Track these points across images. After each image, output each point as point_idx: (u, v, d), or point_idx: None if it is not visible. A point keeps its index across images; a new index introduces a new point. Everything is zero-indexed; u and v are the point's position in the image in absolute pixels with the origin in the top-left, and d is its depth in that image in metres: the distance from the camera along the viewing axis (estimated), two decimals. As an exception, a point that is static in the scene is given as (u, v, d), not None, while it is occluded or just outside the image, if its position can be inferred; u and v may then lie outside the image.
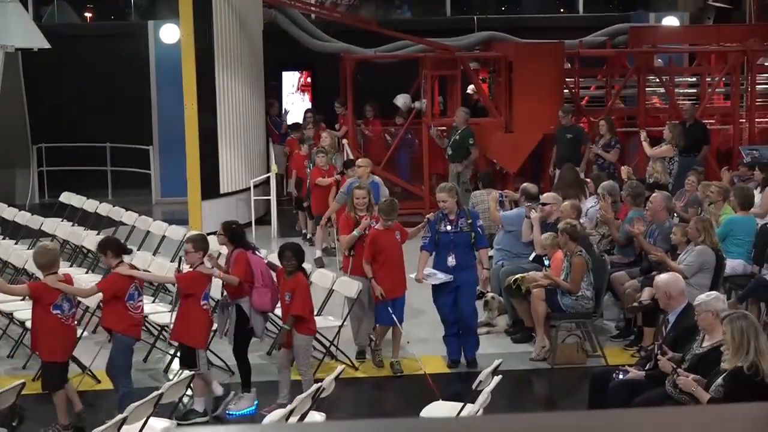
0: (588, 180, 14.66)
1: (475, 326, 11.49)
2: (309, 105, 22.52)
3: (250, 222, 17.58)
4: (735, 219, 12.56)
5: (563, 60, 18.97)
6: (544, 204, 12.49)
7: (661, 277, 9.70)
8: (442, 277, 11.06)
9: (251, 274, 10.04)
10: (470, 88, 19.99)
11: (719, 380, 8.12)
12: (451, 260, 11.07)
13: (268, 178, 17.95)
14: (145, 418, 8.02)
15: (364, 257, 11.07)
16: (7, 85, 19.10)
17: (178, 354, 10.35)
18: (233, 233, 10.38)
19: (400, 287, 11.09)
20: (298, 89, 23.08)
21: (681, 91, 20.15)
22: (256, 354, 11.62)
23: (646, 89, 19.15)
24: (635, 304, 11.39)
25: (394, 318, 10.92)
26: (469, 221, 11.09)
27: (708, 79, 19.83)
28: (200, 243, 10.15)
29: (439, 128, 18.61)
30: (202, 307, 10.04)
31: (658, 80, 19.44)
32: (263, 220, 18.12)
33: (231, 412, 10.07)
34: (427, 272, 11.09)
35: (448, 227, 11.09)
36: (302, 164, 17.19)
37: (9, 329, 12.18)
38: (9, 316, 12.09)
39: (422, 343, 11.79)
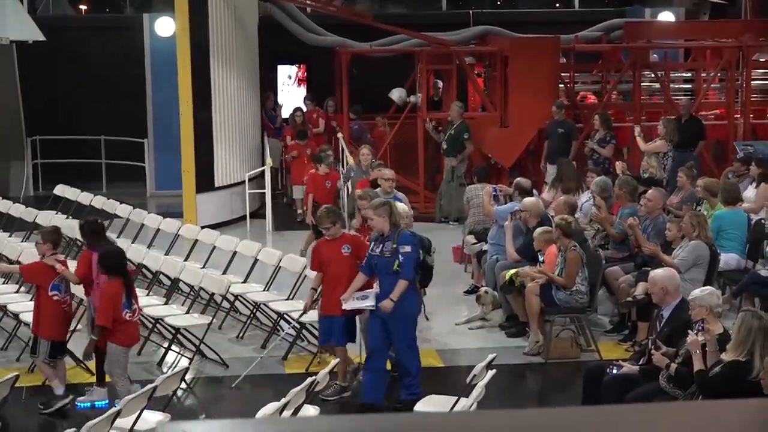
0: (588, 176, 14.62)
1: (410, 369, 9.93)
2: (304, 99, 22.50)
3: (245, 215, 17.58)
4: (723, 214, 12.61)
5: (558, 55, 18.98)
6: (521, 210, 12.44)
7: (657, 272, 9.71)
8: (358, 303, 9.90)
9: (91, 273, 10.04)
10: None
11: (717, 369, 8.16)
12: (376, 286, 9.99)
13: (263, 171, 17.95)
14: (138, 411, 8.02)
15: (311, 266, 10.54)
16: (1, 77, 19.10)
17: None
18: (87, 230, 10.46)
19: (335, 306, 9.97)
20: (296, 82, 23.07)
21: (676, 86, 20.17)
22: (250, 347, 11.64)
23: (642, 84, 19.16)
24: (629, 298, 11.40)
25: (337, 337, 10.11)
26: (394, 246, 9.68)
27: (703, 75, 19.84)
28: (49, 235, 10.32)
29: (433, 122, 18.62)
30: (51, 298, 10.04)
31: (653, 75, 19.45)
32: (258, 213, 18.12)
33: (79, 403, 10.04)
34: (357, 295, 9.91)
35: (377, 249, 9.86)
36: (323, 185, 15.10)
37: (2, 322, 12.17)
38: (3, 308, 12.09)
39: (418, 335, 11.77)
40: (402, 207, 11.10)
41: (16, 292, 12.44)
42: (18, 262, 13.05)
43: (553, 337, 11.30)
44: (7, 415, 9.74)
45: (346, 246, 10.08)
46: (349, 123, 19.55)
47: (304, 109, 20.18)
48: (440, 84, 20.30)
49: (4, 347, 11.74)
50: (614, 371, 9.11)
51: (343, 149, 18.42)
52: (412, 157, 18.83)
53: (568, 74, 19.25)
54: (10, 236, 15.32)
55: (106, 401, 9.93)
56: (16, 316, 11.58)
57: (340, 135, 19.06)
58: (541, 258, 11.70)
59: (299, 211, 17.65)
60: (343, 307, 9.90)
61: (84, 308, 10.91)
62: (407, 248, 9.66)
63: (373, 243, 9.89)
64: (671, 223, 11.71)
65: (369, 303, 9.84)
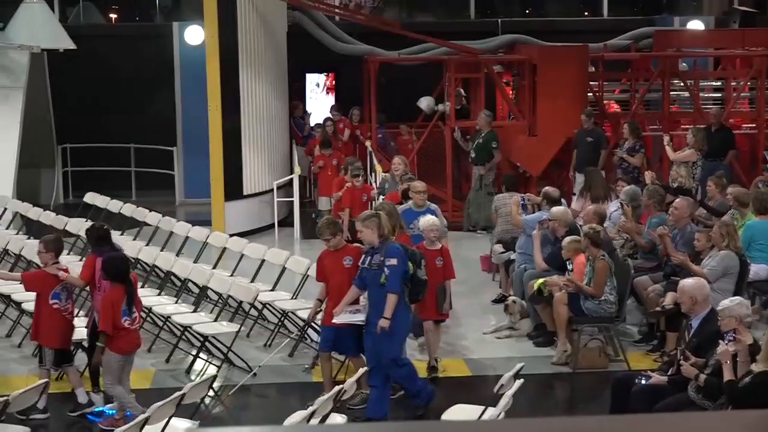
0: (618, 184, 14.55)
1: (402, 383, 10.00)
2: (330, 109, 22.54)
3: (273, 224, 17.61)
4: (754, 224, 12.51)
5: (587, 63, 18.94)
6: (550, 219, 12.41)
7: (687, 282, 9.67)
8: (349, 317, 9.85)
9: (95, 277, 10.09)
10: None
11: (748, 379, 8.12)
12: (362, 299, 9.96)
13: (292, 179, 17.98)
14: (167, 419, 8.05)
15: (316, 277, 10.51)
16: (32, 85, 19.21)
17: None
18: (90, 235, 10.55)
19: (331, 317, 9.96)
20: (324, 91, 23.10)
21: (706, 95, 20.08)
22: (278, 356, 11.66)
23: (671, 93, 19.09)
24: (658, 308, 11.35)
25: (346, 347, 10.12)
26: (382, 258, 9.62)
27: (733, 84, 19.74)
28: (51, 244, 10.38)
29: (462, 130, 18.62)
30: (51, 306, 10.08)
31: (682, 84, 19.38)
32: (286, 221, 18.15)
33: (89, 416, 10.08)
34: (350, 309, 9.86)
35: (366, 262, 9.82)
36: (359, 199, 14.95)
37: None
38: (32, 315, 12.15)
39: (446, 345, 11.77)
40: (431, 220, 11.10)
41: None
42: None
43: (581, 347, 11.26)
44: (36, 421, 9.81)
45: (348, 258, 10.04)
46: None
47: (335, 118, 20.06)
48: (463, 93, 20.26)
49: (34, 354, 11.80)
50: (643, 381, 9.07)
51: (371, 157, 18.44)
52: (440, 166, 18.82)
53: (596, 83, 19.21)
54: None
55: (104, 407, 10.01)
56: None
57: (368, 143, 19.07)
58: (569, 267, 11.66)
59: None
60: (333, 320, 9.91)
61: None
62: (393, 261, 9.56)
63: (364, 255, 9.86)
64: (700, 233, 11.64)
65: (359, 318, 9.80)
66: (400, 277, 9.62)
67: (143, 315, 12.42)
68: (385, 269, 9.56)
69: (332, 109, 20.72)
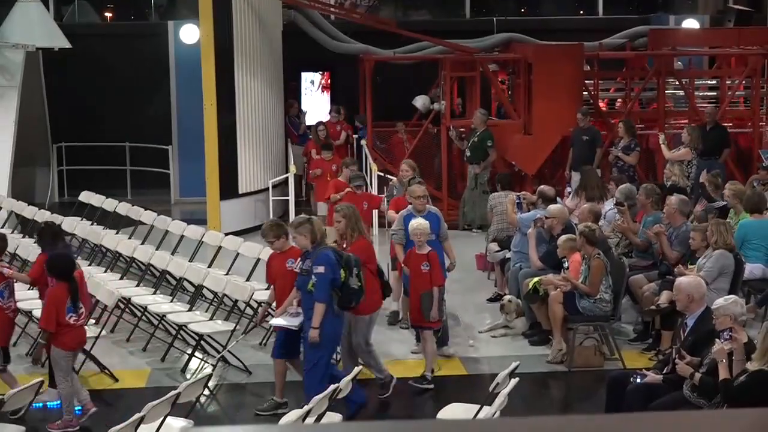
0: (610, 184, 14.58)
1: (307, 391, 9.51)
2: (328, 106, 22.52)
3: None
4: (748, 223, 12.52)
5: (582, 62, 18.95)
6: (546, 217, 12.41)
7: (683, 280, 9.67)
8: (283, 321, 9.85)
9: (45, 276, 10.10)
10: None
11: (743, 378, 8.12)
12: (295, 303, 9.92)
13: (287, 178, 17.98)
14: (162, 417, 8.05)
15: (266, 279, 10.49)
16: (28, 84, 19.20)
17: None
18: (48, 233, 10.59)
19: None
20: (319, 89, 23.08)
21: (701, 93, 20.10)
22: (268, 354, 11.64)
23: (666, 92, 19.11)
24: (653, 307, 11.36)
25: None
26: (311, 265, 9.52)
27: (728, 82, 19.77)
28: None
29: (458, 129, 18.62)
30: None
31: (677, 83, 19.40)
32: (282, 220, 18.14)
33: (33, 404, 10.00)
34: (292, 311, 9.83)
35: (298, 266, 9.77)
36: (358, 205, 13.79)
37: (28, 327, 12.24)
38: (28, 314, 12.15)
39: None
40: (417, 223, 10.90)
41: (41, 297, 12.50)
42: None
43: (576, 346, 11.27)
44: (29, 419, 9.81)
45: (291, 260, 9.97)
46: (358, 131, 19.56)
47: (332, 120, 19.77)
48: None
49: (29, 353, 11.80)
50: (638, 380, 9.07)
51: (366, 157, 18.44)
52: (434, 165, 18.83)
53: (592, 82, 19.22)
54: (35, 242, 15.37)
55: (58, 402, 9.96)
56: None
57: (363, 142, 19.06)
58: (565, 265, 11.67)
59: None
60: (270, 323, 9.91)
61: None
62: (320, 269, 9.42)
63: (299, 259, 9.80)
64: (695, 231, 11.65)
65: (292, 322, 9.74)
66: (328, 285, 9.44)
67: (143, 314, 12.45)
68: (313, 276, 9.45)
69: (331, 111, 20.49)
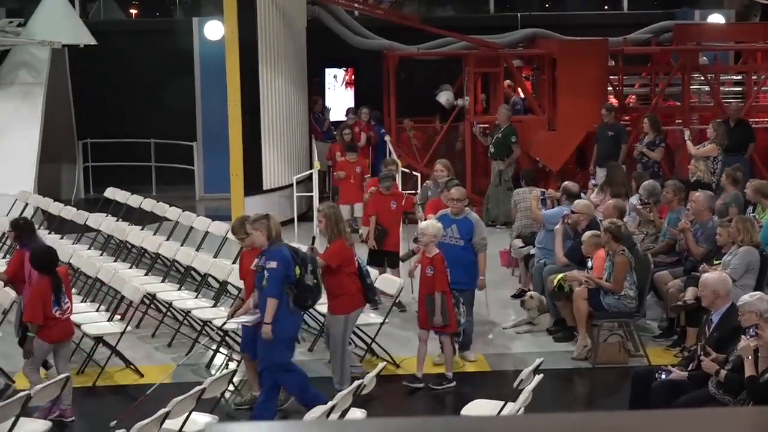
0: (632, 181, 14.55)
1: (286, 386, 9.81)
2: (352, 102, 22.51)
3: (293, 218, 17.64)
4: (773, 220, 12.43)
5: (607, 57, 18.89)
6: (572, 212, 12.37)
7: (709, 276, 9.64)
8: (239, 318, 9.95)
9: (23, 272, 10.12)
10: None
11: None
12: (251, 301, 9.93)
13: (311, 174, 18.00)
14: (187, 413, 8.08)
15: (239, 275, 10.47)
16: (53, 81, 19.30)
17: None
18: (24, 228, 10.62)
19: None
20: (344, 85, 23.07)
21: (726, 89, 19.99)
22: (297, 350, 11.67)
23: (691, 87, 19.02)
24: (679, 303, 11.32)
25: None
26: (265, 260, 9.47)
27: (754, 77, 19.65)
28: None
29: (481, 125, 18.59)
30: None
31: (703, 78, 19.30)
32: (306, 216, 18.16)
33: None
34: (250, 312, 9.82)
35: (254, 264, 9.72)
36: (386, 206, 13.46)
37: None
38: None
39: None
40: (426, 224, 10.69)
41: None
42: (69, 264, 13.23)
43: (601, 342, 11.24)
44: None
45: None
46: (374, 129, 19.49)
47: (350, 122, 19.17)
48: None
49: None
50: (663, 377, 9.04)
51: (390, 153, 18.43)
52: (460, 161, 18.81)
53: (616, 77, 19.15)
54: (61, 238, 15.49)
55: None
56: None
57: (387, 138, 19.06)
58: (589, 264, 11.63)
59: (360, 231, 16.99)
60: (228, 321, 10.02)
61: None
62: (272, 264, 9.36)
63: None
64: (721, 227, 11.59)
65: (247, 319, 9.74)
66: (279, 281, 9.36)
67: (164, 311, 12.50)
68: (265, 272, 9.41)
69: (348, 112, 20.09)
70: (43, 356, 9.82)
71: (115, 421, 9.40)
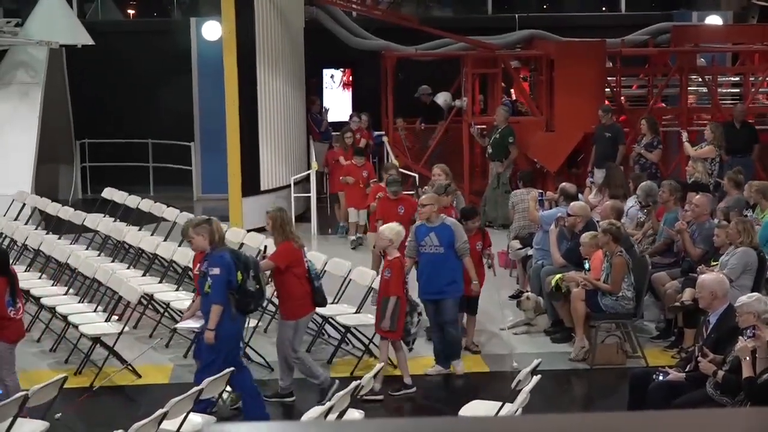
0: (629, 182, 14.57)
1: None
2: (350, 102, 22.51)
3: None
4: (772, 221, 12.44)
5: (605, 59, 18.90)
6: (569, 214, 12.37)
7: (706, 277, 9.65)
8: (189, 324, 10.04)
9: None
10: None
11: (766, 376, 8.10)
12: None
13: (309, 175, 18.00)
14: (185, 413, 8.08)
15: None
16: (51, 81, 19.29)
17: None
18: None
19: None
20: (341, 86, 23.08)
21: (724, 90, 20.00)
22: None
23: (689, 89, 19.04)
24: (676, 304, 11.33)
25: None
26: (207, 266, 9.49)
27: (751, 79, 19.66)
28: None
29: (479, 126, 18.60)
30: None
31: (700, 80, 19.32)
32: (303, 217, 18.18)
33: None
34: (199, 314, 9.82)
35: (197, 268, 9.85)
36: (394, 211, 13.11)
37: (51, 324, 12.31)
38: (52, 310, 12.22)
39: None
40: (384, 228, 10.64)
41: (65, 294, 12.59)
42: (67, 265, 13.23)
43: (598, 343, 11.25)
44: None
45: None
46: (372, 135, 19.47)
47: (353, 127, 18.88)
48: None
49: (53, 349, 11.88)
50: (660, 378, 9.05)
51: (387, 154, 18.43)
52: (458, 162, 18.81)
53: (614, 78, 19.16)
54: (59, 239, 15.48)
55: None
56: (64, 318, 11.71)
57: (385, 138, 19.06)
58: (586, 266, 11.63)
59: (351, 237, 16.74)
60: (175, 326, 10.07)
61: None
62: (215, 270, 9.35)
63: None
64: (719, 228, 11.60)
65: (194, 324, 9.74)
66: (223, 287, 9.35)
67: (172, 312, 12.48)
68: (208, 278, 9.40)
69: (352, 116, 19.86)
70: (12, 356, 9.67)
71: (59, 414, 9.41)
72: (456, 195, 13.32)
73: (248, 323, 11.17)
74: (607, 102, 18.66)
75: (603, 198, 14.07)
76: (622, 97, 19.67)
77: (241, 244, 13.85)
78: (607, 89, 18.85)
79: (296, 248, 10.15)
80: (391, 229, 10.62)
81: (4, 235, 15.47)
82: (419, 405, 10.46)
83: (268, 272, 10.19)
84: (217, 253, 9.48)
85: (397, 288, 10.35)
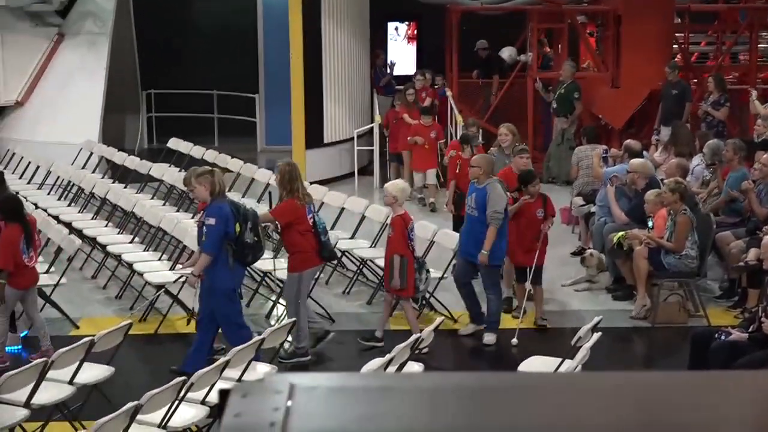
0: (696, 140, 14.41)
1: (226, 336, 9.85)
2: (414, 56, 22.42)
3: (353, 172, 17.68)
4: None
5: (673, 15, 18.62)
6: (627, 171, 12.26)
7: (769, 239, 9.54)
8: (185, 270, 10.20)
9: None
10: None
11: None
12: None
13: (372, 128, 18.00)
14: (247, 362, 8.19)
15: None
16: (118, 31, 19.43)
17: None
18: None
19: None
20: (405, 40, 22.98)
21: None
22: (356, 303, 11.77)
23: (758, 46, 18.72)
24: (740, 264, 11.22)
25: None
26: (205, 216, 9.59)
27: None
28: None
29: (544, 81, 18.47)
30: None
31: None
32: (366, 170, 18.21)
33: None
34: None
35: (197, 218, 10.00)
36: (465, 174, 12.11)
37: (117, 271, 12.51)
38: (118, 258, 12.42)
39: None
40: (389, 184, 10.62)
41: (130, 242, 12.76)
42: (133, 213, 13.40)
43: (660, 302, 11.19)
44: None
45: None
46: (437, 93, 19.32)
47: (418, 86, 18.12)
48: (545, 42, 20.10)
49: (118, 296, 12.07)
50: (722, 338, 8.99)
51: (452, 108, 18.37)
52: (521, 117, 18.71)
53: (682, 35, 18.89)
54: (125, 188, 15.67)
55: (18, 347, 10.23)
56: (130, 265, 11.88)
57: (449, 92, 18.98)
58: (650, 224, 11.55)
59: (429, 200, 16.02)
60: (174, 270, 10.26)
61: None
62: (211, 221, 9.43)
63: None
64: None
65: (189, 270, 9.84)
66: (217, 238, 9.42)
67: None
68: (204, 228, 9.49)
69: (416, 74, 19.22)
70: (14, 303, 9.95)
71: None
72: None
73: (319, 275, 11.22)
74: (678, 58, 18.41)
75: (668, 156, 13.94)
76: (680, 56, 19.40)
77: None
78: (675, 46, 18.60)
79: (299, 205, 10.11)
80: (395, 185, 10.58)
81: (72, 184, 15.68)
82: (479, 360, 10.49)
83: (269, 225, 10.27)
84: (216, 203, 9.52)
85: (400, 246, 10.31)
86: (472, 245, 10.61)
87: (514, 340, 10.61)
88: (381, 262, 11.64)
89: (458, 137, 14.85)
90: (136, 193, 15.44)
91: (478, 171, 10.73)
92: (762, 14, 18.97)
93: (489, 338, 10.71)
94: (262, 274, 11.81)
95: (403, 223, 10.34)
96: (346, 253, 12.56)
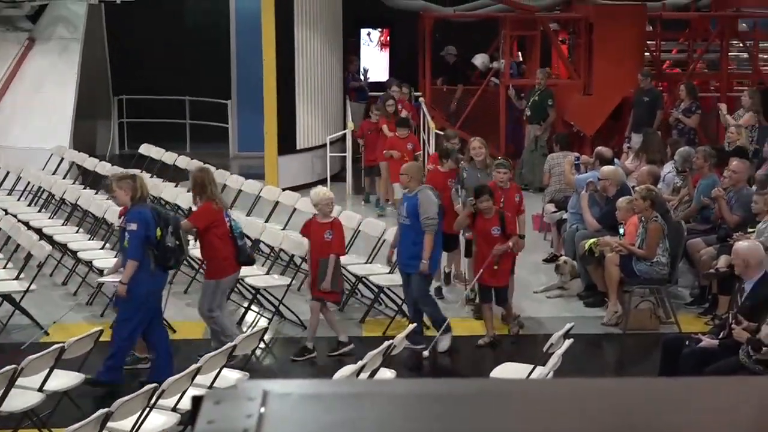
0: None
1: (114, 347, 9.62)
2: (387, 63, 22.44)
3: (326, 178, 17.67)
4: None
5: (645, 22, 18.73)
6: (599, 179, 12.31)
7: (741, 245, 9.59)
8: (111, 278, 10.14)
9: None
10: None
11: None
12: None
13: (345, 135, 18.00)
14: (218, 369, 8.16)
15: None
16: (90, 36, 19.34)
17: None
18: None
19: None
20: (378, 46, 22.99)
21: (765, 56, 19.78)
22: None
23: (729, 54, 18.85)
24: (711, 271, 11.28)
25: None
26: (126, 221, 9.61)
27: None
28: None
29: (516, 88, 18.52)
30: None
31: (741, 45, 19.11)
32: (339, 176, 18.20)
33: None
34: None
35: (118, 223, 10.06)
36: (444, 185, 11.78)
37: (88, 277, 12.44)
38: (88, 264, 12.35)
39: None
40: (315, 191, 10.57)
41: (101, 248, 12.70)
42: (103, 219, 13.33)
43: (632, 308, 11.24)
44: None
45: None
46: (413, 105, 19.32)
47: (395, 96, 17.36)
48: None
49: (89, 302, 12.00)
50: (693, 344, 9.03)
51: (424, 115, 18.39)
52: (493, 124, 18.75)
53: (654, 42, 19.00)
54: (96, 194, 15.57)
55: None
56: (101, 272, 11.81)
57: (421, 99, 19.00)
58: (621, 231, 11.60)
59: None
60: (98, 280, 10.29)
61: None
62: (132, 226, 9.44)
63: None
64: (758, 195, 11.51)
65: (116, 279, 9.76)
66: (139, 243, 9.43)
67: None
68: (126, 234, 9.50)
69: (392, 84, 18.76)
70: None
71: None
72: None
73: (291, 282, 11.26)
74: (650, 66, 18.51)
75: (640, 163, 14.00)
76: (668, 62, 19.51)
77: (276, 203, 13.91)
78: (647, 53, 18.70)
79: (216, 209, 10.10)
80: (317, 193, 10.52)
81: (42, 189, 15.59)
82: (450, 366, 10.49)
83: (189, 234, 10.19)
84: (137, 209, 9.52)
85: (339, 247, 10.37)
86: (405, 255, 10.55)
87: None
88: (353, 269, 11.65)
89: (435, 149, 14.75)
90: (107, 199, 15.33)
91: (406, 179, 10.64)
92: (732, 22, 19.09)
93: (443, 344, 10.61)
94: (254, 290, 11.66)
95: (341, 225, 10.46)
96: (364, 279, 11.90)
